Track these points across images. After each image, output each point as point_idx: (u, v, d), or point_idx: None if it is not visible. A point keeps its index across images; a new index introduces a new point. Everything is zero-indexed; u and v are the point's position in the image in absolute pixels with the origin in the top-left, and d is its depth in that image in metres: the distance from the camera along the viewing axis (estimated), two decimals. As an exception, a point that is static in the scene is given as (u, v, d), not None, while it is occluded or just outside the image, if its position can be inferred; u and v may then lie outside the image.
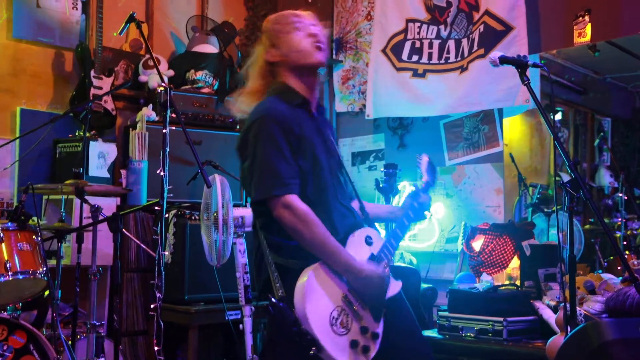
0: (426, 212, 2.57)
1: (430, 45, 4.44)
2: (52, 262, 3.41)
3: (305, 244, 2.18)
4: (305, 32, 2.41)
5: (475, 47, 4.22)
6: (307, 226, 2.16)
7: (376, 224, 2.53)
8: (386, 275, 2.25)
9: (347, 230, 2.28)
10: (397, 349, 2.30)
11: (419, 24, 4.50)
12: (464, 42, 4.30)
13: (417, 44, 4.49)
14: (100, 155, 4.17)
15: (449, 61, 4.36)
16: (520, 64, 2.50)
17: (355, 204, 2.47)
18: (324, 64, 2.43)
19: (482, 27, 4.20)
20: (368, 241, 2.30)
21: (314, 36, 2.40)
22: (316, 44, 2.38)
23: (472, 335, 3.55)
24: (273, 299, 2.15)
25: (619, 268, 3.69)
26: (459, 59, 4.31)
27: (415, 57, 4.48)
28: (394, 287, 2.32)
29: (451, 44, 4.36)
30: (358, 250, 2.24)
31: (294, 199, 2.19)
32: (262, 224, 2.31)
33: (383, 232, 2.59)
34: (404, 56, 4.51)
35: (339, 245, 2.19)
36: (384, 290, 2.24)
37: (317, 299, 2.12)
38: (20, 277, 3.06)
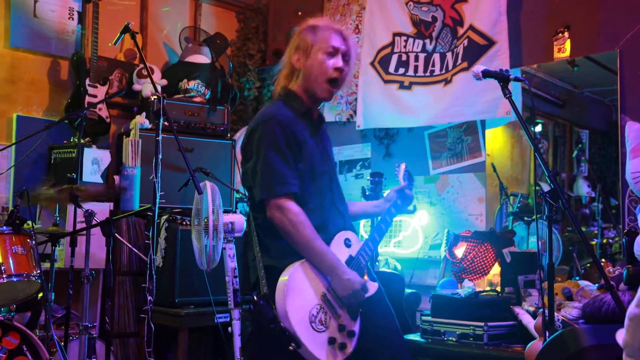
0: (410, 207, 2.69)
1: (416, 59, 4.53)
2: (46, 265, 3.45)
3: (295, 244, 2.27)
4: (334, 64, 2.44)
5: (459, 61, 4.32)
6: (297, 227, 2.25)
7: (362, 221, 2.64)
8: (365, 282, 2.32)
9: (335, 233, 2.38)
10: (374, 350, 2.36)
11: (405, 38, 4.60)
12: (449, 55, 4.40)
13: (404, 57, 4.58)
14: (94, 162, 4.20)
15: (434, 74, 4.45)
16: (502, 78, 2.56)
17: None
18: (328, 99, 2.52)
19: (466, 42, 4.30)
20: (347, 243, 2.40)
21: (339, 71, 2.45)
22: (334, 82, 2.44)
23: (454, 339, 3.60)
24: (255, 297, 2.22)
25: (595, 275, 3.79)
26: (443, 71, 4.41)
27: (401, 70, 4.57)
28: (371, 288, 2.40)
29: (436, 57, 4.46)
30: (337, 252, 2.34)
31: (288, 201, 2.28)
32: (258, 222, 2.39)
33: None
34: (391, 69, 4.61)
35: (327, 248, 2.29)
36: (362, 297, 2.31)
37: (297, 296, 2.19)
38: (15, 279, 3.08)
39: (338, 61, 2.45)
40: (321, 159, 2.45)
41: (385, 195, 2.74)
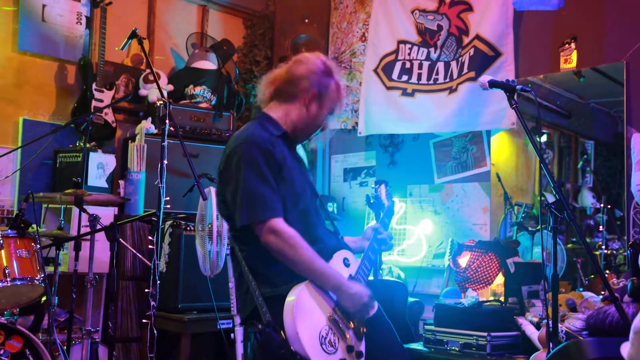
0: (385, 247, 2.60)
1: (420, 66, 4.54)
2: (50, 269, 3.46)
3: (294, 266, 2.19)
4: (329, 110, 2.47)
5: (465, 70, 4.33)
6: (295, 249, 2.17)
7: None
8: (371, 294, 2.28)
9: (331, 252, 2.33)
10: None
11: (409, 46, 4.61)
12: (453, 64, 4.41)
13: (407, 65, 4.59)
14: (100, 166, 4.21)
15: (437, 82, 4.46)
16: (508, 88, 2.58)
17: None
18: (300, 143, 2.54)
19: (472, 51, 4.31)
20: (346, 263, 2.35)
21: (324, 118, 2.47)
22: (323, 126, 2.48)
23: (456, 349, 3.60)
24: (260, 326, 2.13)
25: (599, 286, 3.78)
26: (447, 80, 4.42)
27: (405, 77, 4.58)
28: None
29: (440, 65, 4.47)
30: (339, 269, 2.30)
31: (279, 223, 2.19)
32: (246, 252, 2.30)
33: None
34: (394, 76, 4.62)
35: (328, 265, 2.23)
36: (371, 308, 2.28)
37: (306, 318, 2.12)
38: (19, 283, 3.08)
39: (334, 108, 2.48)
40: (302, 179, 2.40)
41: (365, 229, 2.67)
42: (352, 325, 2.25)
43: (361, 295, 2.23)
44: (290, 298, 2.14)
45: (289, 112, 2.43)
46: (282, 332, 2.10)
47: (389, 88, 4.62)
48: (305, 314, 2.12)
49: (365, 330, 2.29)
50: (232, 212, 2.28)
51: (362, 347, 2.26)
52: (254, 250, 2.27)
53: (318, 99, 2.41)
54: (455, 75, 4.37)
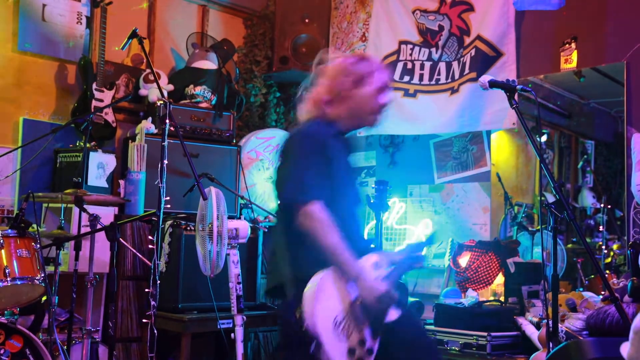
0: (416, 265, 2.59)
1: (422, 67, 4.55)
2: (50, 269, 3.45)
3: (322, 249, 2.25)
4: (384, 99, 2.52)
5: (466, 70, 4.33)
6: (325, 232, 2.24)
7: None
8: (391, 289, 2.30)
9: (362, 253, 2.36)
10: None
11: (411, 46, 4.61)
12: (455, 64, 4.41)
13: (409, 65, 4.60)
14: (100, 166, 4.20)
15: (439, 82, 4.46)
16: (509, 88, 2.58)
17: None
18: (372, 126, 2.62)
19: (473, 51, 4.32)
20: (375, 266, 2.37)
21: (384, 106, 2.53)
22: (382, 113, 2.54)
23: (456, 349, 3.61)
24: (282, 301, 2.25)
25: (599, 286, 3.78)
26: (449, 80, 4.42)
27: (406, 78, 4.59)
28: (393, 313, 2.36)
29: (442, 66, 4.47)
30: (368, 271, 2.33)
31: (316, 206, 2.26)
32: (282, 232, 2.42)
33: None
34: (396, 76, 4.62)
35: (353, 257, 2.27)
36: (391, 303, 2.31)
37: (325, 300, 2.20)
38: (19, 282, 3.07)
39: (386, 97, 2.53)
40: (348, 181, 2.48)
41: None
42: (367, 323, 2.29)
43: (378, 288, 2.27)
44: (314, 280, 2.22)
45: (339, 110, 2.51)
46: (299, 309, 2.19)
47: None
48: (324, 297, 2.20)
49: (380, 331, 2.32)
50: (278, 190, 2.43)
51: (375, 346, 2.29)
52: (289, 230, 2.34)
53: (357, 85, 2.49)
54: (456, 76, 4.38)
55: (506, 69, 4.13)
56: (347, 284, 2.27)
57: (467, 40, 4.37)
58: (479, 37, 4.30)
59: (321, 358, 2.17)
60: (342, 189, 2.41)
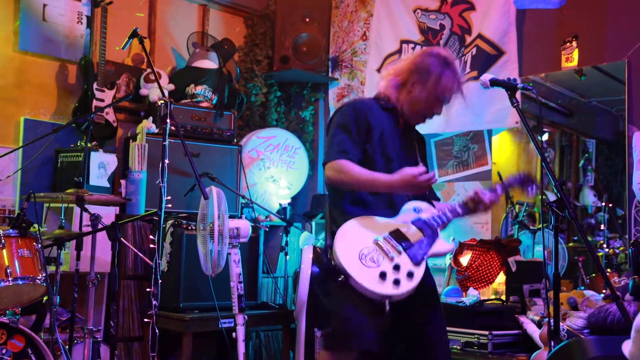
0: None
1: (423, 66, 4.55)
2: (52, 269, 3.44)
3: (350, 185, 2.60)
4: (436, 110, 2.75)
5: (467, 69, 4.33)
6: (346, 173, 2.56)
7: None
8: (418, 171, 2.53)
9: (404, 201, 2.66)
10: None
11: (412, 45, 4.61)
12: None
13: (411, 65, 4.60)
14: (101, 166, 4.20)
15: (441, 82, 4.46)
16: (510, 87, 2.59)
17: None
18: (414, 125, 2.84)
19: (474, 50, 4.32)
20: (416, 209, 2.66)
21: (442, 102, 2.73)
22: (438, 111, 2.76)
23: (458, 347, 3.61)
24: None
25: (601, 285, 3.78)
26: (450, 79, 4.42)
27: (408, 77, 4.59)
28: (443, 246, 2.66)
29: (443, 65, 4.47)
30: (406, 215, 2.64)
31: (342, 162, 2.57)
32: (328, 193, 2.78)
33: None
34: (398, 76, 4.62)
35: (377, 175, 2.57)
36: (421, 182, 2.53)
37: (348, 240, 2.54)
38: (20, 282, 3.07)
39: (440, 109, 2.75)
40: (395, 151, 2.69)
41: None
42: (404, 250, 2.57)
43: (403, 176, 2.52)
44: (341, 226, 2.58)
45: (400, 94, 2.72)
46: (330, 252, 2.55)
47: None
48: (347, 237, 2.55)
49: (425, 258, 2.59)
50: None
51: (417, 270, 2.55)
52: (329, 192, 2.75)
53: (420, 83, 2.68)
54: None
55: (508, 68, 4.13)
56: (374, 222, 2.59)
57: (469, 39, 4.37)
58: (480, 36, 4.30)
59: (354, 286, 2.46)
60: (381, 156, 2.65)
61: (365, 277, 2.46)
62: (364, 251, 2.52)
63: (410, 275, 2.53)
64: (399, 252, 2.55)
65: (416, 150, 2.80)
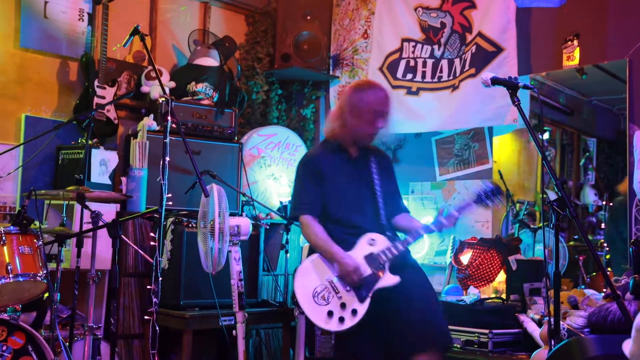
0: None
1: (424, 64, 4.54)
2: (52, 266, 3.45)
3: (311, 244, 3.12)
4: (378, 125, 3.14)
5: (467, 67, 4.33)
6: (311, 233, 3.09)
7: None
8: (359, 267, 2.95)
9: (362, 233, 3.06)
10: (400, 333, 2.94)
11: (413, 44, 4.61)
12: (457, 62, 4.41)
13: (412, 63, 4.59)
14: (102, 163, 4.20)
15: (441, 80, 4.46)
16: (511, 86, 2.59)
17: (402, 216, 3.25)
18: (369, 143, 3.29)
19: (474, 48, 4.31)
20: (370, 243, 3.04)
21: (378, 116, 3.14)
22: (381, 125, 3.15)
23: (458, 346, 3.61)
24: None
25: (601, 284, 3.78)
26: (451, 77, 4.41)
27: (409, 76, 4.58)
28: (389, 279, 2.98)
29: (444, 63, 4.47)
30: (361, 248, 3.03)
31: (305, 218, 3.12)
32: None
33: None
34: (399, 74, 4.62)
35: (332, 245, 3.02)
36: (355, 277, 2.93)
37: (305, 277, 3.01)
38: (21, 279, 3.07)
39: (382, 122, 3.14)
40: (348, 182, 3.15)
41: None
42: (352, 290, 2.96)
43: (346, 264, 2.94)
44: (300, 265, 3.09)
45: (342, 130, 3.17)
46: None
47: (394, 87, 4.61)
48: (304, 275, 3.02)
49: (370, 295, 2.94)
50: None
51: (360, 308, 2.91)
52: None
53: (351, 112, 3.12)
54: (458, 73, 4.37)
55: (506, 65, 4.11)
56: (328, 266, 3.00)
57: (469, 38, 4.36)
58: (479, 34, 4.29)
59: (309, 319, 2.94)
60: (338, 192, 3.12)
61: (315, 315, 2.90)
62: (317, 289, 2.96)
63: (354, 312, 2.91)
64: (347, 291, 2.95)
65: (372, 175, 3.17)
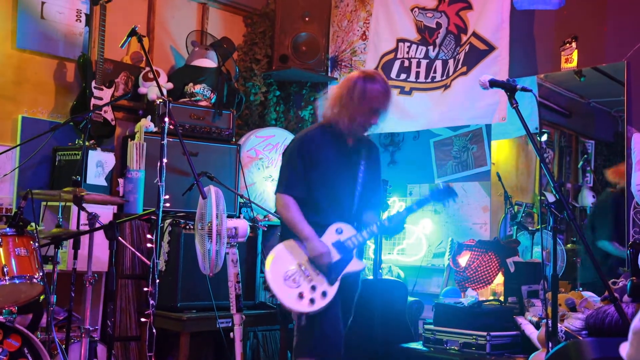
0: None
1: (418, 65, 4.54)
2: (49, 268, 3.44)
3: (285, 222, 3.13)
4: (373, 121, 3.12)
5: (459, 66, 4.33)
6: (286, 211, 3.10)
7: None
8: (329, 251, 3.04)
9: (331, 222, 3.11)
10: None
11: (408, 44, 4.61)
12: (451, 62, 4.40)
13: (406, 63, 4.59)
14: (99, 164, 4.20)
15: (435, 80, 4.46)
16: (509, 88, 2.58)
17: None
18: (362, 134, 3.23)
19: (467, 48, 4.31)
20: (338, 231, 3.12)
21: (374, 113, 3.10)
22: (374, 122, 3.12)
23: (456, 348, 3.61)
24: None
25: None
26: (444, 78, 4.41)
27: (403, 76, 4.58)
28: (356, 265, 3.13)
29: (438, 64, 4.46)
30: (329, 236, 3.10)
31: (285, 196, 3.11)
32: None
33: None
34: (393, 74, 4.61)
35: (306, 226, 3.06)
36: (326, 260, 3.03)
37: (276, 261, 3.07)
38: (17, 281, 3.06)
39: (375, 119, 3.11)
40: (337, 170, 3.14)
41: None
42: (321, 274, 3.04)
43: (317, 247, 3.02)
44: (272, 250, 3.11)
45: (338, 115, 3.13)
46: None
47: None
48: (275, 260, 3.07)
49: (339, 278, 3.06)
50: None
51: (330, 290, 3.03)
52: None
53: (350, 100, 3.08)
54: (451, 73, 4.37)
55: (498, 63, 4.11)
56: (301, 249, 3.06)
57: (464, 38, 4.36)
58: (474, 34, 4.29)
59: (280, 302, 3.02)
60: (324, 175, 3.11)
61: (286, 297, 2.98)
62: (288, 272, 3.03)
63: (324, 294, 3.02)
64: (317, 274, 3.04)
65: (360, 166, 3.19)
